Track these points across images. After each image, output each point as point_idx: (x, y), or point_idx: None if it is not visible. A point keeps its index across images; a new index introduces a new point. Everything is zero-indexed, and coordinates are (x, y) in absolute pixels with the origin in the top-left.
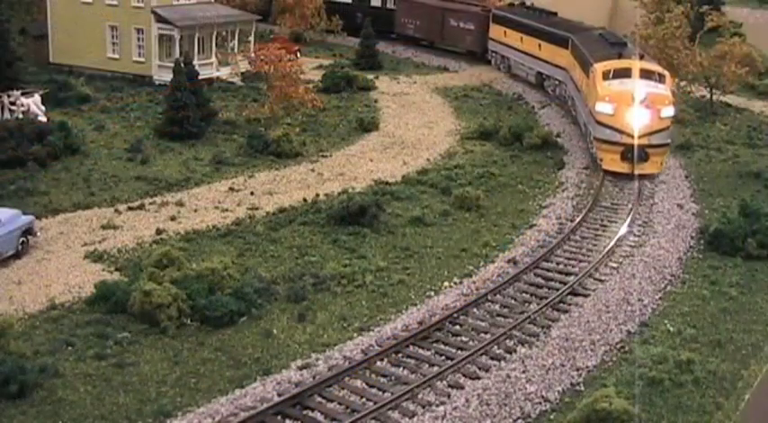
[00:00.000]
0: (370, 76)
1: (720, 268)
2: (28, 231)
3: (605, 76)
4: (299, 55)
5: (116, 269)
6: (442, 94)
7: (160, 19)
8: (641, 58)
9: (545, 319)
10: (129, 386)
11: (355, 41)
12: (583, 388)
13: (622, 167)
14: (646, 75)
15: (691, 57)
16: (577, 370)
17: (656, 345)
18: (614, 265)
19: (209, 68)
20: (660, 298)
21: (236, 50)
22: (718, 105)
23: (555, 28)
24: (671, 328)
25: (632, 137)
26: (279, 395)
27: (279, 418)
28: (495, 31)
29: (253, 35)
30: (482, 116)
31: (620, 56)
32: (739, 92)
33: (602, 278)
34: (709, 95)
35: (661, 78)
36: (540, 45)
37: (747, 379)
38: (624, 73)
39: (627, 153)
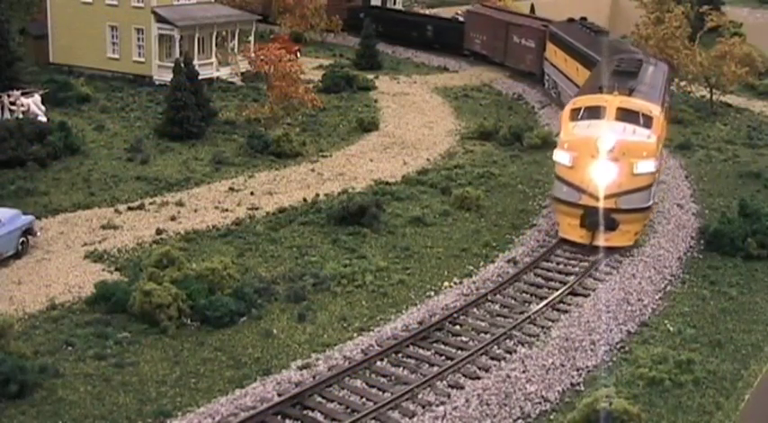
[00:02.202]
0: (370, 76)
1: (720, 268)
2: (28, 231)
3: (574, 115)
4: (299, 55)
5: (116, 269)
6: (442, 94)
7: (160, 19)
8: (630, 92)
9: (545, 319)
10: (129, 386)
11: (355, 41)
12: (583, 388)
13: (581, 237)
14: (624, 116)
15: (691, 57)
16: (577, 370)
17: (656, 345)
18: (614, 264)
19: (209, 68)
20: (660, 298)
21: (236, 50)
22: (718, 105)
23: (590, 48)
24: (671, 328)
25: (595, 198)
26: (279, 395)
27: (279, 418)
28: (550, 50)
29: (253, 35)
30: (482, 116)
31: (631, 92)
32: (739, 92)
33: (603, 278)
34: (709, 95)
35: (646, 121)
36: (577, 69)
37: (747, 379)
38: (597, 112)
39: (587, 218)
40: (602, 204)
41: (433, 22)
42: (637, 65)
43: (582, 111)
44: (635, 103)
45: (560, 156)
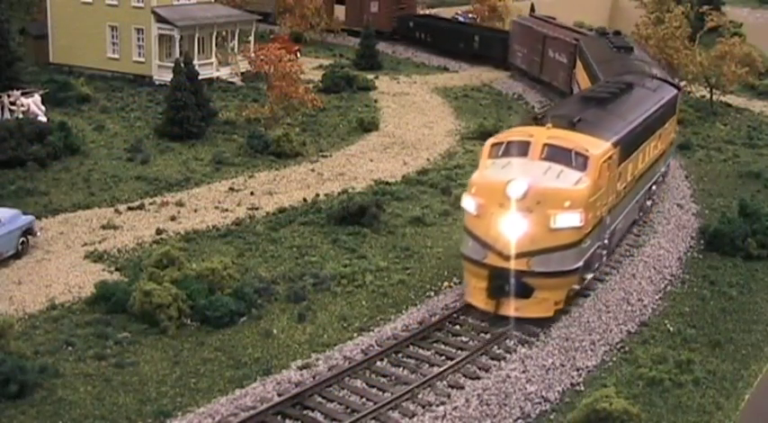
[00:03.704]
0: (370, 76)
1: (720, 268)
2: (28, 231)
3: (493, 151)
4: (299, 55)
5: (116, 269)
6: (442, 94)
7: (160, 19)
8: (572, 125)
9: (544, 319)
10: (129, 386)
11: (355, 41)
12: (583, 388)
13: (486, 303)
14: (552, 154)
15: (691, 57)
16: (577, 370)
17: (656, 345)
18: (614, 264)
19: (209, 68)
20: (660, 298)
21: (236, 50)
22: (718, 105)
23: (601, 68)
24: (671, 328)
25: (502, 257)
26: (279, 395)
27: (279, 418)
28: (578, 66)
29: (253, 35)
30: (482, 116)
31: (573, 124)
32: (739, 92)
33: (603, 278)
34: (709, 95)
35: (580, 161)
36: None
37: (747, 379)
38: (520, 148)
39: (492, 282)
40: (511, 265)
41: (479, 33)
42: (620, 89)
43: (503, 146)
44: (568, 138)
45: (466, 202)
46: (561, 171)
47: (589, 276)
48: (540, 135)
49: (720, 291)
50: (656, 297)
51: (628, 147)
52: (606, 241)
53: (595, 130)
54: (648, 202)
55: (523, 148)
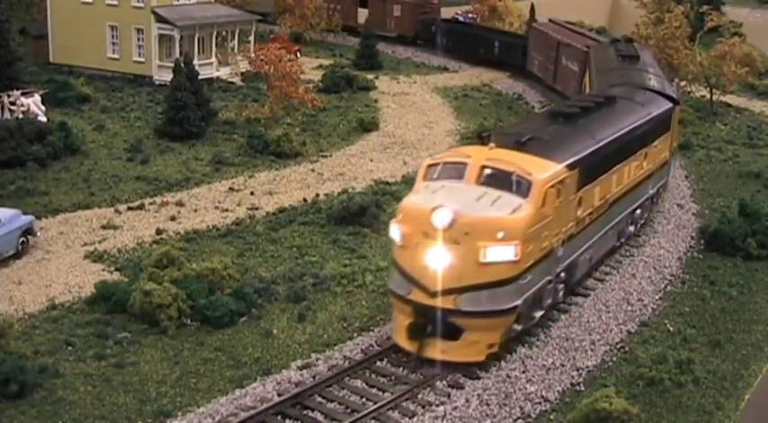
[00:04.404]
0: (370, 76)
1: (720, 268)
2: (28, 231)
3: (428, 173)
4: (299, 55)
5: (116, 269)
6: (442, 94)
7: (160, 19)
8: (519, 145)
9: (544, 319)
10: (129, 386)
11: (355, 41)
12: (583, 388)
13: (410, 343)
14: (490, 178)
15: (691, 57)
16: (577, 370)
17: (656, 345)
18: (614, 264)
19: (209, 68)
20: (660, 298)
21: (236, 50)
22: (718, 105)
23: (600, 77)
24: (671, 328)
25: (427, 293)
26: (279, 395)
27: (279, 418)
28: (586, 76)
29: (253, 35)
30: (482, 116)
31: (521, 144)
32: (739, 92)
33: (603, 278)
34: (709, 95)
35: (521, 187)
36: None
37: (747, 379)
38: (457, 170)
39: (415, 320)
40: (436, 303)
41: (498, 38)
42: (597, 103)
43: (439, 168)
44: (510, 160)
45: (393, 230)
46: (498, 197)
47: (538, 315)
48: (479, 156)
49: (720, 291)
50: (656, 297)
51: (592, 169)
52: (562, 275)
53: (548, 151)
54: (631, 228)
55: (459, 171)
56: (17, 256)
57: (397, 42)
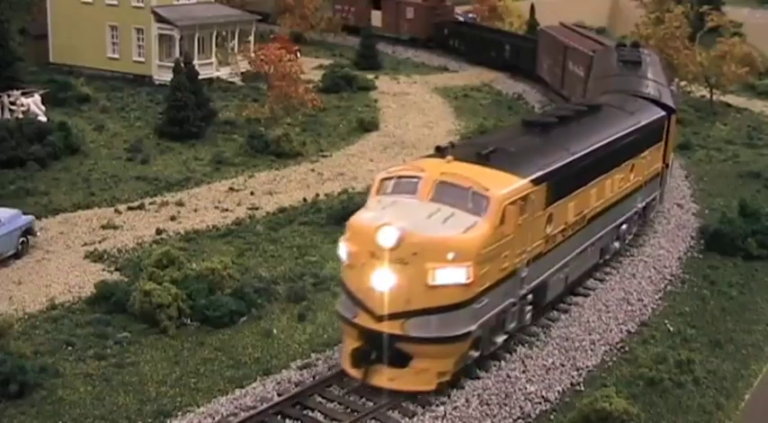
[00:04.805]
0: (370, 76)
1: (720, 268)
2: (28, 231)
3: (381, 187)
4: (299, 55)
5: (116, 269)
6: (442, 94)
7: (160, 19)
8: (483, 158)
9: (544, 319)
10: (129, 386)
11: (355, 41)
12: (583, 388)
13: (356, 370)
14: (445, 193)
15: (691, 57)
16: (577, 370)
17: (656, 345)
18: (614, 264)
19: (209, 68)
20: (660, 298)
21: (236, 50)
22: (718, 105)
23: (595, 84)
24: (671, 328)
25: (373, 317)
26: (279, 395)
27: (279, 418)
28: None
29: (253, 35)
30: (482, 116)
31: (484, 157)
32: (739, 92)
33: (603, 278)
34: (709, 95)
35: (478, 203)
36: None
37: (747, 379)
38: (409, 186)
39: (364, 345)
40: (383, 328)
41: (510, 42)
42: (577, 112)
43: (393, 182)
44: (467, 175)
45: (340, 248)
46: (452, 215)
47: (500, 340)
48: (434, 170)
49: (720, 291)
50: (656, 297)
51: (565, 183)
52: (529, 297)
53: (511, 165)
54: (616, 244)
55: (412, 186)
56: (17, 256)
57: (410, 45)
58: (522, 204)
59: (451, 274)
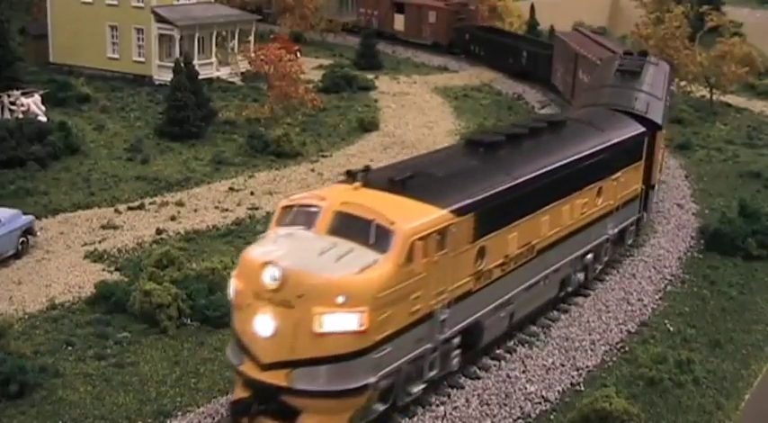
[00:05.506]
0: (370, 76)
1: (720, 268)
2: (28, 231)
3: (282, 217)
4: (299, 55)
5: (116, 269)
6: (442, 94)
7: (160, 19)
8: (396, 185)
9: (544, 319)
10: (129, 386)
11: (355, 41)
12: (583, 388)
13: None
14: (344, 226)
15: (691, 57)
16: (577, 370)
17: (656, 345)
18: (614, 264)
19: (209, 68)
20: (660, 298)
21: (236, 50)
22: (718, 105)
23: (587, 96)
24: (671, 328)
25: (257, 365)
26: None
27: None
28: None
29: (253, 35)
30: (482, 116)
31: (399, 185)
32: (739, 92)
33: (603, 278)
34: (709, 95)
35: (381, 238)
36: None
37: (747, 379)
38: (308, 217)
39: (247, 396)
40: (267, 378)
41: (527, 48)
42: (532, 129)
43: (293, 212)
44: (371, 205)
45: (230, 287)
46: (349, 251)
47: (416, 389)
48: (335, 200)
49: (720, 291)
50: (656, 297)
51: (501, 212)
52: (455, 340)
53: (430, 193)
54: (580, 275)
55: (310, 217)
56: (17, 256)
57: (433, 51)
58: (438, 239)
59: (341, 321)
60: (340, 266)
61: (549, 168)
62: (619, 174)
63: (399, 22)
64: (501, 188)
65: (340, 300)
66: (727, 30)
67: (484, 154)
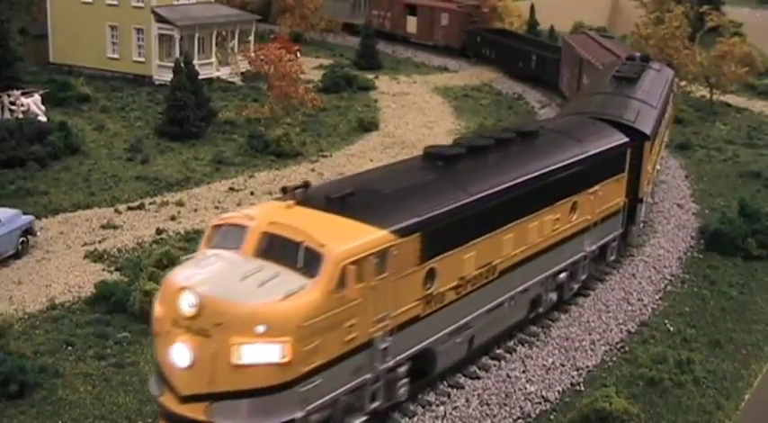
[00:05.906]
0: (370, 76)
1: (720, 268)
2: (28, 231)
3: (211, 238)
4: (299, 55)
5: (116, 269)
6: (442, 94)
7: (160, 19)
8: (332, 203)
9: (544, 319)
10: (129, 386)
11: (355, 41)
12: (583, 388)
13: None
14: (272, 248)
15: (691, 57)
16: (577, 370)
17: (656, 345)
18: (614, 264)
19: (209, 68)
20: (660, 298)
21: (236, 50)
22: (718, 105)
23: (577, 103)
24: (671, 328)
25: (176, 397)
26: None
27: None
28: None
29: (253, 35)
30: (482, 116)
31: (337, 203)
32: (739, 92)
33: (603, 278)
34: (709, 95)
35: (310, 261)
36: None
37: (747, 379)
38: (236, 237)
39: None
40: (185, 411)
41: (537, 52)
42: (500, 140)
43: (222, 231)
44: (301, 226)
45: (153, 311)
46: (274, 276)
47: (357, 422)
48: (264, 219)
49: (720, 291)
50: (656, 297)
51: (453, 231)
52: (401, 369)
53: (370, 212)
54: (552, 295)
55: (237, 237)
56: (17, 256)
57: (445, 54)
58: (376, 262)
59: (261, 352)
60: (262, 293)
61: (514, 183)
62: (597, 187)
63: (412, 24)
64: (454, 205)
65: (260, 329)
66: (727, 30)
67: (442, 168)
